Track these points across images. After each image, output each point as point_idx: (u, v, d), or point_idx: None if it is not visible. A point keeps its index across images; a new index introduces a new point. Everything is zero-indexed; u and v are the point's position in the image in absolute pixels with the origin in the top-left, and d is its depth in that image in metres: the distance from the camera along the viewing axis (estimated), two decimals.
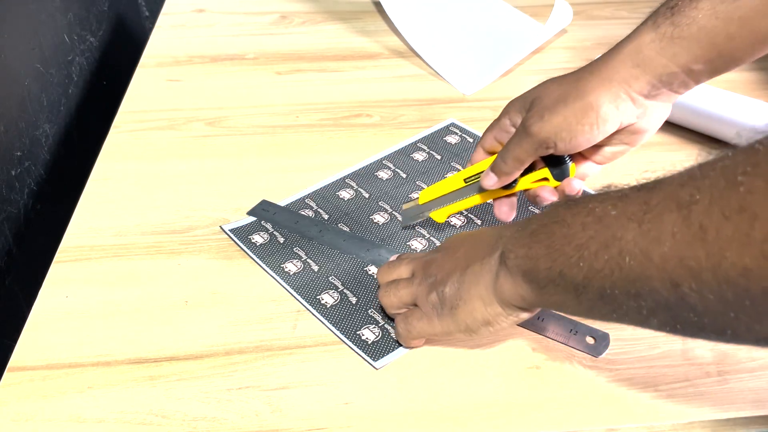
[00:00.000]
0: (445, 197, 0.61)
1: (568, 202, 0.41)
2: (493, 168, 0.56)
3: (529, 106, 0.55)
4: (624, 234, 0.35)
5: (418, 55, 0.89)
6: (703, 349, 0.52)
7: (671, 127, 0.75)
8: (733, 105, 0.72)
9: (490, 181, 0.57)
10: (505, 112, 0.58)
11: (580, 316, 0.42)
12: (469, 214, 0.65)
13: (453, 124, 0.77)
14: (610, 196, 0.38)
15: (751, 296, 0.30)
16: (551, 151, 0.53)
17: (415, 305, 0.52)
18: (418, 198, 0.62)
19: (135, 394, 0.50)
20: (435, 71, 0.86)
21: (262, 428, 0.48)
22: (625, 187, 0.38)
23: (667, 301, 0.34)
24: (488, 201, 0.61)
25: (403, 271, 0.54)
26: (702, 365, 0.51)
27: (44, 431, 0.48)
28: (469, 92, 0.82)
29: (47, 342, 0.54)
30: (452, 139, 0.75)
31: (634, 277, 0.35)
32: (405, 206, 0.64)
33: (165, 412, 0.49)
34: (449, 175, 0.70)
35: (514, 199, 0.59)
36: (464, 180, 0.60)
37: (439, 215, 0.61)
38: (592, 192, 0.42)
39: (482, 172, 0.58)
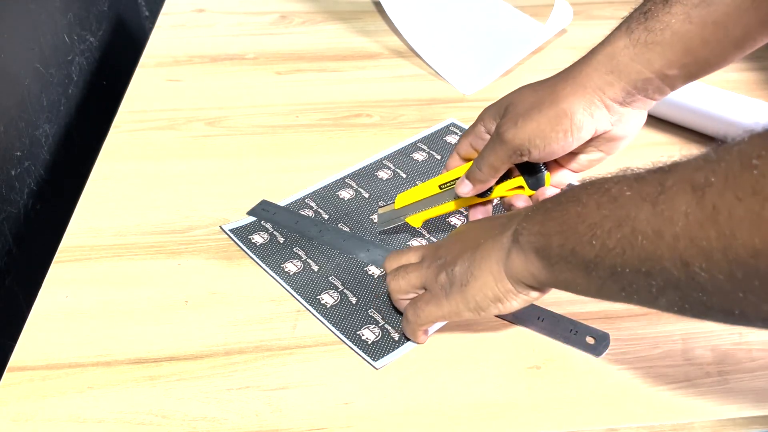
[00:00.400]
0: (420, 203, 0.60)
1: (584, 182, 0.42)
2: (468, 175, 0.56)
3: (503, 112, 0.55)
4: (637, 214, 0.36)
5: (418, 55, 0.89)
6: (703, 349, 0.52)
7: (672, 126, 0.75)
8: (733, 105, 0.72)
9: (465, 189, 0.56)
10: (480, 118, 0.58)
11: (588, 295, 0.42)
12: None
13: (453, 124, 0.77)
14: (626, 177, 0.38)
15: (761, 276, 0.30)
16: (525, 159, 0.53)
17: (424, 290, 0.51)
18: (393, 202, 0.62)
19: (135, 394, 0.50)
20: (435, 71, 0.86)
21: (262, 428, 0.48)
22: (642, 169, 0.38)
23: (677, 281, 0.34)
24: (463, 208, 0.61)
25: (412, 256, 0.54)
26: (702, 365, 0.51)
27: (44, 431, 0.48)
28: (469, 92, 0.82)
29: (47, 342, 0.54)
30: (452, 139, 0.75)
31: (645, 256, 0.35)
32: (381, 210, 0.63)
33: (165, 412, 0.49)
34: None
35: (489, 207, 0.59)
36: (439, 186, 0.59)
37: (415, 220, 0.60)
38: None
39: (457, 178, 0.57)
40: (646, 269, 0.35)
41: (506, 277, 0.46)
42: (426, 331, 0.53)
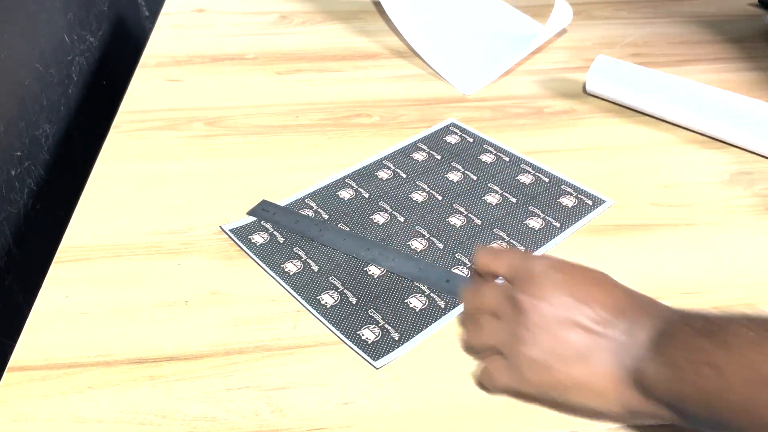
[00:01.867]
0: None
1: (716, 340, 0.36)
2: None
3: None
4: None
5: (418, 55, 0.89)
6: None
7: (671, 126, 0.75)
8: (734, 105, 0.72)
9: None
10: None
11: None
12: (469, 214, 0.65)
13: (453, 124, 0.77)
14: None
15: None
16: None
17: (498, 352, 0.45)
18: None
19: (135, 394, 0.50)
20: (435, 71, 0.86)
21: (262, 428, 0.48)
22: None
23: None
24: None
25: (490, 300, 0.46)
26: None
27: (44, 431, 0.48)
28: (469, 92, 0.82)
29: (47, 342, 0.54)
30: (452, 139, 0.75)
31: None
32: None
33: (165, 412, 0.49)
34: (449, 175, 0.70)
35: None
36: None
37: None
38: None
39: None
40: None
41: (622, 401, 0.40)
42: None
